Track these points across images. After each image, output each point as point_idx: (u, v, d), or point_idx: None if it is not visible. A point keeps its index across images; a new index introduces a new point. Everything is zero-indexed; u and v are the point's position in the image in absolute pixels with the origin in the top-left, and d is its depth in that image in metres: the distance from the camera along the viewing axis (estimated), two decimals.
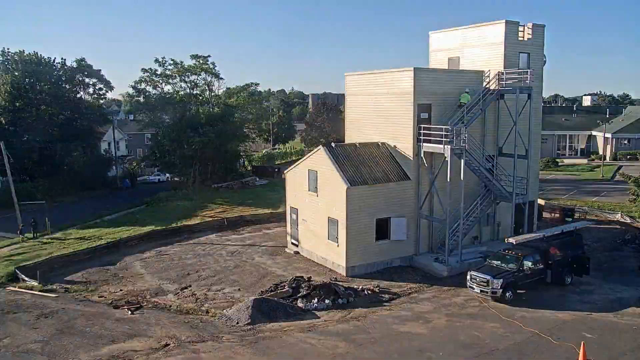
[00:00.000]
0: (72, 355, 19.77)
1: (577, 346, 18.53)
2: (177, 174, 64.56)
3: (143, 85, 64.81)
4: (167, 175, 69.38)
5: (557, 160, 73.90)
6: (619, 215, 39.91)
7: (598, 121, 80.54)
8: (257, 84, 71.84)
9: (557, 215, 39.36)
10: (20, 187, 49.50)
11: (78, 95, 68.45)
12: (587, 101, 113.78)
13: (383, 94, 31.22)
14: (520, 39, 32.15)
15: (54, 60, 65.63)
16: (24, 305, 25.11)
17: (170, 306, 24.89)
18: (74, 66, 67.07)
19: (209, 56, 65.68)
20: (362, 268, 28.83)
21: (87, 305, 25.14)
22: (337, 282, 26.82)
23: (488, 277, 24.10)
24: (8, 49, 63.20)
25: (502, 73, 30.70)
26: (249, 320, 22.36)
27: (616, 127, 78.84)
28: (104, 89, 71.13)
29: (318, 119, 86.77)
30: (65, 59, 66.71)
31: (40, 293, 27.00)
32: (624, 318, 22.30)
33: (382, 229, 29.28)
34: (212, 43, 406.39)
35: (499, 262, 25.21)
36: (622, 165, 68.07)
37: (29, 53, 63.55)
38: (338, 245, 28.96)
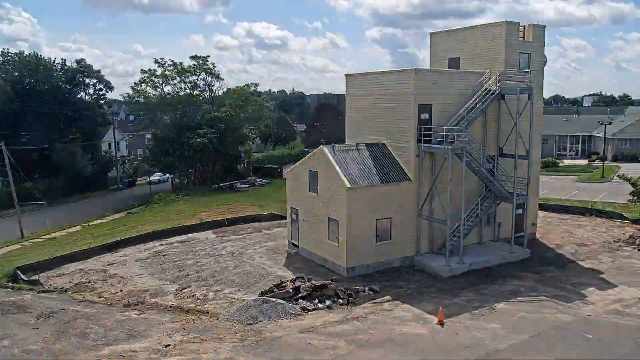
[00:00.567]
0: (72, 355, 19.74)
1: (577, 346, 18.51)
2: (177, 174, 64.61)
3: (143, 86, 64.94)
4: (168, 175, 69.45)
5: (558, 160, 73.93)
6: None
7: (598, 122, 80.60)
8: (256, 84, 72.03)
9: None
10: (21, 188, 49.55)
11: (78, 96, 68.56)
12: (587, 102, 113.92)
13: (384, 95, 31.20)
14: (520, 39, 32.17)
15: (54, 60, 65.85)
16: (24, 305, 25.07)
17: (170, 306, 24.86)
18: (74, 67, 67.20)
19: (208, 56, 65.87)
20: (362, 268, 28.80)
21: (87, 305, 25.11)
22: (338, 283, 26.80)
23: None
24: (8, 49, 63.40)
25: (503, 74, 30.69)
26: (250, 321, 22.33)
27: (616, 128, 78.86)
28: (104, 89, 71.29)
29: (318, 119, 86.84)
30: (65, 60, 66.96)
31: (40, 293, 26.98)
32: (625, 318, 22.27)
33: (383, 230, 29.26)
34: (213, 42, 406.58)
35: None
36: (619, 167, 68.02)
37: (29, 54, 63.72)
38: (338, 246, 28.94)
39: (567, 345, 19.59)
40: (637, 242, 33.70)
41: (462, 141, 27.78)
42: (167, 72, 64.92)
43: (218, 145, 60.32)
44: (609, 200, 46.82)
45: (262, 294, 25.57)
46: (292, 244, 33.68)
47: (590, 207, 43.46)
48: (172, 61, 64.73)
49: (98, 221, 45.73)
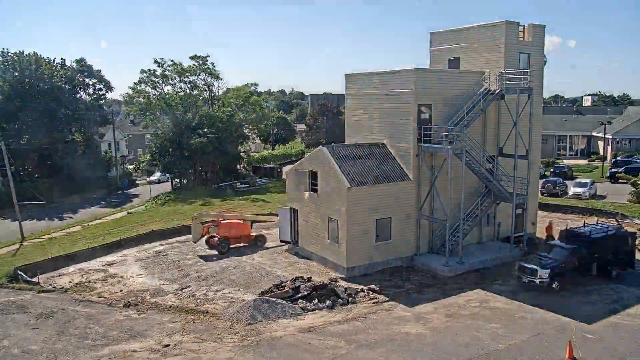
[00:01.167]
0: (72, 355, 19.75)
1: (577, 346, 18.52)
2: (177, 174, 64.61)
3: (142, 86, 64.90)
4: (167, 175, 69.44)
5: (558, 160, 73.87)
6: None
7: (598, 122, 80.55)
8: (256, 84, 71.96)
9: None
10: (20, 188, 49.53)
11: (78, 96, 68.49)
12: (587, 102, 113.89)
13: (383, 94, 31.20)
14: (520, 39, 32.16)
15: (53, 60, 65.73)
16: (24, 305, 25.08)
17: (170, 306, 24.86)
18: (74, 66, 67.13)
19: (207, 56, 65.79)
20: (362, 268, 28.80)
21: (86, 305, 25.11)
22: (337, 283, 26.80)
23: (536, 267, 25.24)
24: (7, 49, 63.32)
25: (503, 73, 30.69)
26: (250, 321, 22.34)
27: (616, 128, 78.82)
28: (104, 89, 71.22)
29: (318, 119, 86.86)
30: (64, 60, 66.87)
31: (40, 293, 26.98)
32: (625, 319, 22.27)
33: (383, 230, 29.26)
34: (212, 43, 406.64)
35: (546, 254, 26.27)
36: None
37: (29, 54, 63.61)
38: (338, 246, 28.94)
39: (567, 345, 19.57)
40: (637, 242, 33.68)
41: (462, 141, 27.75)
42: (166, 72, 64.92)
43: (218, 145, 60.29)
44: (608, 200, 46.82)
45: (262, 294, 25.57)
46: (292, 243, 33.68)
47: (590, 207, 43.44)
48: (171, 61, 64.77)
49: (98, 221, 45.69)
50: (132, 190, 67.33)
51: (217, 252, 33.42)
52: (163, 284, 28.27)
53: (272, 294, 25.22)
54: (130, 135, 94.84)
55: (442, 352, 19.35)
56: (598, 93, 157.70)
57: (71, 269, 31.70)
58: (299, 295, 24.90)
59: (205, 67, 65.45)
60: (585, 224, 28.67)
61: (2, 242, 38.94)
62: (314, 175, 30.89)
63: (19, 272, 29.79)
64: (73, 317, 23.48)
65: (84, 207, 53.40)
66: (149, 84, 64.93)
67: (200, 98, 67.45)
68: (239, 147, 67.55)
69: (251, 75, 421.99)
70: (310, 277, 27.36)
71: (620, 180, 54.65)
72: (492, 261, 29.98)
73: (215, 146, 59.78)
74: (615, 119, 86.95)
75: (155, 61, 64.35)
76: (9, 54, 62.78)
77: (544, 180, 50.59)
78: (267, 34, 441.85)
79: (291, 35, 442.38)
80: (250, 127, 71.40)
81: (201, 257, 33.12)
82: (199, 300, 25.67)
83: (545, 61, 33.78)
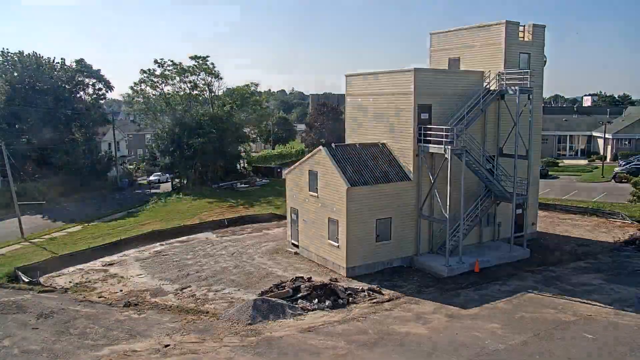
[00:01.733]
0: (72, 355, 19.74)
1: (577, 346, 18.51)
2: (177, 174, 64.59)
3: (142, 86, 64.86)
4: (167, 175, 69.44)
5: (558, 160, 73.89)
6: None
7: (599, 121, 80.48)
8: (256, 84, 71.89)
9: None
10: (21, 188, 49.52)
11: (78, 96, 68.46)
12: (587, 102, 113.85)
13: (383, 95, 31.20)
14: (520, 39, 32.15)
15: (53, 60, 65.68)
16: (24, 305, 25.08)
17: (170, 306, 24.86)
18: (74, 66, 67.09)
19: (207, 56, 65.75)
20: (362, 268, 28.80)
21: (87, 305, 25.11)
22: (338, 283, 26.80)
23: None
24: (7, 49, 63.29)
25: (503, 73, 30.69)
26: (250, 321, 22.33)
27: (616, 128, 78.79)
28: (104, 89, 71.15)
29: (318, 119, 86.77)
30: (64, 59, 66.79)
31: (40, 293, 26.98)
32: (625, 318, 22.27)
33: (383, 230, 29.25)
34: (212, 42, 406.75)
35: None
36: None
37: (29, 54, 63.59)
38: (338, 246, 28.94)
39: (567, 345, 19.58)
40: (637, 242, 33.71)
41: (461, 141, 27.73)
42: (166, 72, 64.88)
43: (218, 145, 60.27)
44: (608, 200, 46.83)
45: (262, 293, 25.57)
46: (292, 243, 33.68)
47: (590, 207, 43.45)
48: (171, 61, 64.72)
49: (98, 221, 45.70)
50: (132, 190, 67.21)
51: None
52: (163, 284, 28.27)
53: (272, 294, 25.22)
54: (130, 135, 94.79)
55: (442, 352, 19.35)
56: (598, 93, 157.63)
57: (71, 269, 31.71)
58: (299, 295, 24.91)
59: (205, 67, 65.41)
60: None
61: (2, 242, 38.93)
62: (314, 175, 30.88)
63: (19, 272, 29.80)
64: (73, 317, 23.48)
65: (84, 207, 53.37)
66: (148, 84, 64.89)
67: (200, 98, 67.40)
68: (239, 147, 67.52)
69: (251, 76, 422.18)
70: (310, 277, 27.37)
71: (623, 180, 54.70)
72: (492, 261, 29.97)
73: (215, 146, 59.78)
74: (616, 119, 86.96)
75: (155, 61, 64.37)
76: (9, 54, 62.81)
77: None
78: (268, 34, 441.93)
79: (291, 35, 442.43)
80: (251, 127, 71.26)
81: (201, 257, 33.09)
82: (199, 300, 25.68)
83: (545, 61, 33.79)
